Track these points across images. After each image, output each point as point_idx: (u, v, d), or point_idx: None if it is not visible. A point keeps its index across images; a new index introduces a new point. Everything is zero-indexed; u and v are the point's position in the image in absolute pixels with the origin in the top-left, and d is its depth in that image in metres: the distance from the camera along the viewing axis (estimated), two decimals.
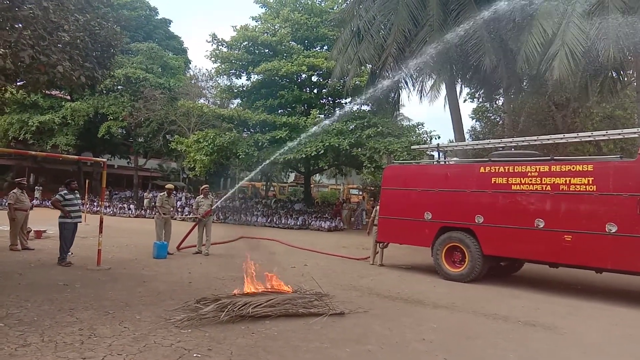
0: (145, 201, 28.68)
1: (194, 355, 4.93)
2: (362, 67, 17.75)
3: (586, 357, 5.54)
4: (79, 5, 7.57)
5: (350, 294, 8.25)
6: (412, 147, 15.54)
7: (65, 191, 9.96)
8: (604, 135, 10.16)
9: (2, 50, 5.72)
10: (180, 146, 26.19)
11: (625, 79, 17.73)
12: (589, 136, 10.54)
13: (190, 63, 40.75)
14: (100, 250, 9.85)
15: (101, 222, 9.95)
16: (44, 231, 14.64)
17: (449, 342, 5.85)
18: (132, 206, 28.15)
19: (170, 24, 40.67)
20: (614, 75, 16.23)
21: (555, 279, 11.01)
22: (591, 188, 8.77)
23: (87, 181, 27.29)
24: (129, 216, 26.61)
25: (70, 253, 10.12)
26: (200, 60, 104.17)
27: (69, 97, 32.90)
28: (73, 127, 31.61)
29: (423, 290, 9.21)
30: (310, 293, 7.26)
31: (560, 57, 13.01)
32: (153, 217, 24.77)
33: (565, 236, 8.96)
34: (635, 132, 9.59)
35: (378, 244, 12.18)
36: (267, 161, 15.19)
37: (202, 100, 33.00)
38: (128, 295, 7.47)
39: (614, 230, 8.38)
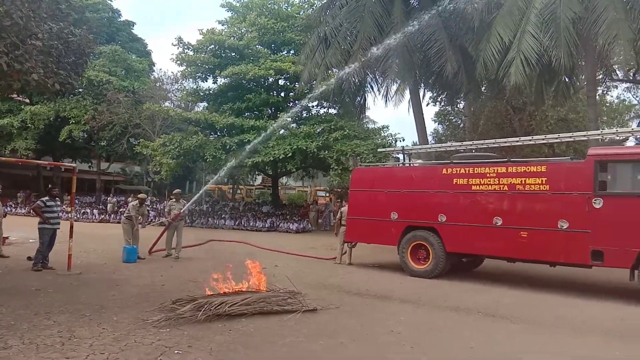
0: (109, 206, 28.24)
1: (175, 352, 5.15)
2: (330, 72, 18.15)
3: (542, 344, 6.02)
4: (50, 12, 7.61)
5: (321, 292, 8.56)
6: (379, 149, 16.01)
7: (47, 198, 9.97)
8: (556, 138, 10.85)
9: None
10: (146, 150, 25.93)
11: (578, 83, 18.77)
12: (543, 139, 11.24)
13: (154, 66, 40.27)
14: (71, 255, 9.85)
15: (71, 227, 9.95)
16: (7, 237, 14.35)
17: (416, 334, 6.24)
18: (95, 211, 27.66)
19: (133, 26, 40.13)
20: (567, 80, 17.17)
21: (513, 273, 11.63)
22: (545, 187, 9.39)
23: (49, 186, 26.65)
24: (93, 221, 26.12)
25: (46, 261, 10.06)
26: (165, 63, 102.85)
27: (27, 101, 32.01)
28: (33, 131, 30.74)
29: (390, 286, 9.62)
30: (283, 291, 7.53)
31: (516, 64, 13.75)
32: (118, 222, 24.75)
33: (521, 233, 9.55)
34: (584, 135, 10.30)
35: (345, 244, 12.56)
36: (233, 162, 15.32)
37: (167, 104, 32.75)
38: (102, 298, 7.56)
39: (565, 227, 9.00)
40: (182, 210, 13.07)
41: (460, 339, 6.05)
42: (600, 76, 19.50)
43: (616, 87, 25.50)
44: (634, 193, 8.38)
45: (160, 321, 6.15)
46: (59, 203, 10.24)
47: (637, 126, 26.87)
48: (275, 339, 5.73)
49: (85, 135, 33.65)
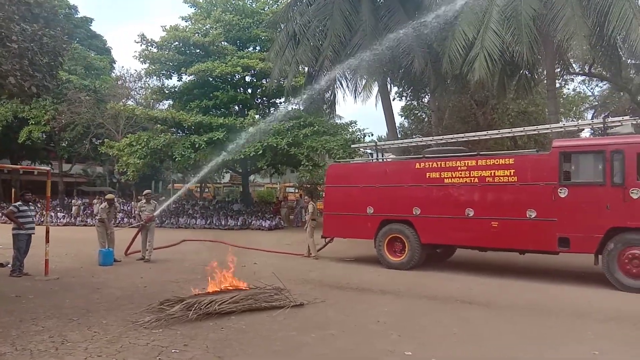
0: (74, 208, 27.55)
1: (172, 351, 5.24)
2: (300, 69, 18.31)
3: (516, 327, 6.40)
4: (20, 13, 7.47)
5: (304, 287, 8.75)
6: (352, 145, 16.28)
7: (20, 202, 9.72)
8: (522, 131, 11.37)
9: None
10: (111, 150, 25.40)
11: (537, 77, 19.53)
12: (509, 132, 11.73)
13: (115, 63, 39.38)
14: (48, 260, 9.69)
15: (47, 232, 9.79)
16: None
17: (399, 322, 6.52)
18: (59, 214, 26.91)
19: (91, 22, 39.04)
20: (527, 74, 17.85)
21: (484, 261, 12.12)
22: (513, 179, 9.84)
23: (13, 190, 25.78)
24: (58, 224, 25.39)
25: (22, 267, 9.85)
26: (127, 60, 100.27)
27: None
28: None
29: (369, 279, 9.91)
30: (269, 288, 7.68)
31: (480, 60, 14.20)
32: (84, 225, 24.21)
33: (492, 223, 9.99)
34: (548, 128, 10.84)
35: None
36: (220, 158, 15.15)
37: (130, 102, 32.10)
38: (86, 302, 7.52)
39: (533, 216, 9.49)
40: (157, 212, 12.97)
41: (443, 326, 6.36)
42: (559, 70, 20.31)
43: (572, 80, 26.62)
44: (596, 182, 8.91)
45: (151, 322, 6.20)
46: (32, 208, 10.03)
47: (592, 117, 28.20)
48: (267, 334, 5.89)
49: (45, 136, 32.64)
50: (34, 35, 7.06)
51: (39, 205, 30.77)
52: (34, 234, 9.97)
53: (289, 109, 23.48)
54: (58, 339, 5.59)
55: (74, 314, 6.71)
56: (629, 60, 19.46)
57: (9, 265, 10.13)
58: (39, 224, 10.93)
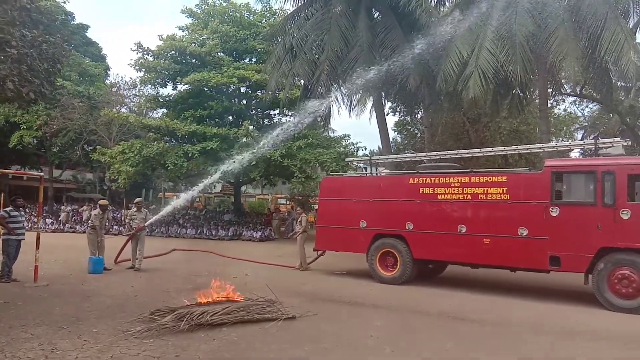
0: (63, 215, 27.29)
1: None
2: (297, 81, 18.44)
3: (508, 343, 6.42)
4: (20, 19, 7.48)
5: (296, 300, 8.71)
6: (347, 159, 16.34)
7: (11, 208, 9.63)
8: (514, 149, 11.50)
9: None
10: (103, 157, 25.24)
11: (530, 96, 19.83)
12: (503, 150, 11.87)
13: (110, 70, 39.36)
14: (38, 267, 9.59)
15: (38, 238, 9.69)
16: None
17: (393, 337, 6.52)
18: (48, 220, 26.62)
19: (87, 29, 39.07)
20: (520, 93, 18.12)
21: (475, 278, 12.16)
22: (505, 197, 9.93)
23: (2, 194, 25.46)
24: (46, 231, 25.11)
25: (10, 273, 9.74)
26: (121, 68, 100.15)
27: None
28: None
29: (361, 293, 9.89)
30: (262, 300, 7.65)
31: (474, 78, 14.40)
32: (73, 232, 23.97)
33: (484, 240, 10.05)
34: (540, 147, 10.99)
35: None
36: (227, 166, 14.71)
37: (123, 109, 32.03)
38: (76, 310, 7.44)
39: (525, 234, 9.57)
40: (153, 219, 12.89)
41: (435, 342, 6.37)
42: (551, 90, 20.63)
43: (564, 100, 27.01)
44: (587, 202, 9.02)
45: (142, 332, 6.15)
46: (23, 213, 9.94)
47: (582, 137, 28.59)
48: (260, 346, 5.87)
49: (36, 142, 32.42)
50: (33, 41, 7.07)
51: (27, 211, 30.53)
52: (24, 239, 9.87)
53: (282, 120, 23.53)
54: (48, 347, 5.53)
55: (64, 322, 6.64)
56: (619, 82, 19.84)
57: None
58: (28, 230, 10.80)
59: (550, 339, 6.67)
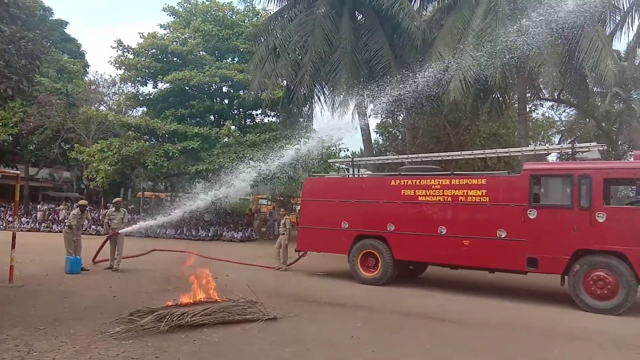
0: (39, 214, 26.74)
1: None
2: (279, 81, 18.41)
3: (487, 344, 6.52)
4: None
5: (277, 300, 8.69)
6: (329, 160, 16.36)
7: None
8: (494, 152, 11.68)
9: None
10: (81, 155, 24.80)
11: (509, 101, 20.15)
12: (482, 153, 12.02)
13: (89, 67, 38.71)
14: (13, 267, 9.38)
15: (14, 237, 9.48)
16: None
17: (374, 337, 6.56)
18: (23, 219, 26.06)
19: (66, 25, 38.35)
20: (499, 98, 18.40)
21: (456, 279, 12.30)
22: (485, 199, 10.07)
23: None
24: (22, 230, 24.57)
25: None
26: (101, 65, 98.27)
27: None
28: None
29: (342, 294, 9.92)
30: (243, 301, 7.60)
31: (455, 82, 14.60)
32: (49, 231, 23.52)
33: (463, 241, 10.18)
34: (519, 151, 11.18)
35: (282, 250, 13.00)
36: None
37: (102, 107, 31.54)
38: (53, 311, 7.31)
39: (503, 236, 9.72)
40: (124, 222, 12.71)
41: (416, 342, 6.43)
42: (529, 95, 21.02)
43: (542, 105, 27.53)
44: (564, 205, 9.21)
45: (121, 333, 6.08)
46: None
47: (559, 141, 29.17)
48: (242, 347, 5.84)
49: (12, 139, 31.70)
50: (12, 37, 6.92)
51: (2, 209, 29.83)
52: None
53: (265, 121, 23.33)
54: (24, 349, 5.42)
55: (41, 323, 6.51)
56: (596, 88, 20.30)
57: None
58: (2, 229, 10.58)
59: (528, 339, 6.79)
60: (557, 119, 31.36)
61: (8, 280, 9.24)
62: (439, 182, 10.68)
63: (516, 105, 19.72)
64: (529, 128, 26.50)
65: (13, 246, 9.43)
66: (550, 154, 23.23)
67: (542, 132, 30.49)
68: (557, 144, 23.54)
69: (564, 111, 30.19)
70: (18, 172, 9.98)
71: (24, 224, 25.23)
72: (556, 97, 23.08)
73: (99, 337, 5.98)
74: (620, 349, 6.48)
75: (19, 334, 5.95)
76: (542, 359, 5.87)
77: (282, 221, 14.11)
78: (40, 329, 6.23)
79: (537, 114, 29.71)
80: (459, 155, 12.24)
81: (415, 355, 5.88)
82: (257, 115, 27.46)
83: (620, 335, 7.17)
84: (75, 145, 26.82)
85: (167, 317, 6.52)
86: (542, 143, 28.88)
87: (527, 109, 23.50)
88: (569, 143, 12.70)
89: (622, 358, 6.21)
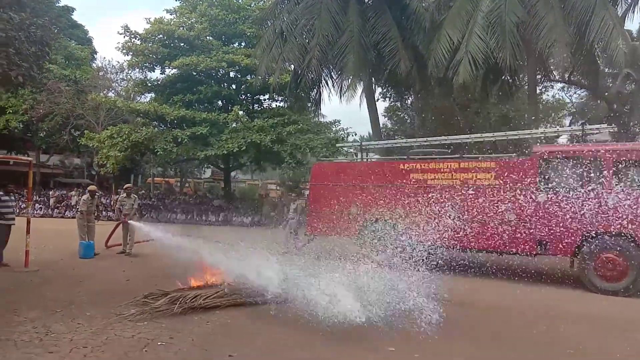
0: (52, 200, 27.07)
1: (158, 343, 5.27)
2: (287, 66, 18.37)
3: (493, 323, 6.58)
4: (7, 1, 7.37)
5: (287, 284, 8.77)
6: (337, 144, 16.36)
7: (1, 192, 9.58)
8: (503, 135, 11.62)
9: None
10: (91, 142, 25.00)
11: (519, 83, 19.94)
12: (492, 136, 11.97)
13: (96, 54, 38.75)
14: (29, 252, 9.56)
15: (28, 222, 9.66)
16: None
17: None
18: (36, 205, 26.40)
19: (73, 12, 38.27)
20: (509, 80, 18.21)
21: (465, 262, 12.32)
22: (494, 182, 10.07)
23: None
24: (34, 216, 24.88)
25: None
26: (108, 51, 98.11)
27: None
28: None
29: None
30: (255, 284, 7.69)
31: (464, 64, 14.47)
32: (61, 217, 23.85)
33: (472, 224, 10.19)
34: (528, 134, 11.11)
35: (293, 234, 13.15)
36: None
37: (110, 94, 31.66)
38: (69, 294, 7.47)
39: (512, 219, 9.72)
40: (134, 208, 12.85)
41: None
42: (539, 76, 20.77)
43: (552, 87, 27.20)
44: (574, 187, 9.18)
45: (135, 315, 6.20)
46: (13, 198, 9.89)
47: (570, 123, 28.86)
48: (253, 329, 5.95)
49: (22, 126, 32.01)
50: (21, 24, 6.97)
51: (17, 197, 30.23)
52: (14, 224, 9.82)
53: (273, 105, 23.28)
54: (42, 330, 5.57)
55: (57, 306, 6.66)
56: (607, 69, 20.03)
57: None
58: (16, 216, 10.74)
59: (532, 321, 6.84)
60: (568, 101, 30.98)
61: (24, 265, 9.43)
62: (447, 165, 10.67)
63: (526, 87, 19.53)
64: (540, 110, 26.29)
65: (28, 231, 9.60)
66: (560, 136, 23.08)
67: (553, 115, 30.16)
68: (568, 126, 23.31)
69: (575, 93, 29.81)
70: (30, 159, 10.11)
71: (36, 210, 25.57)
72: (567, 79, 22.78)
73: (114, 319, 6.11)
74: (625, 330, 6.52)
75: (36, 317, 6.10)
76: (546, 340, 5.92)
77: (293, 206, 14.20)
78: (57, 312, 6.38)
79: (548, 96, 29.38)
80: (467, 138, 12.18)
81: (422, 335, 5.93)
82: (264, 100, 27.43)
83: (625, 316, 7.21)
84: (85, 131, 27.03)
85: (180, 299, 6.65)
86: (553, 125, 28.60)
87: (538, 91, 23.29)
88: (580, 125, 12.59)
89: (626, 339, 6.24)
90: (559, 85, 27.40)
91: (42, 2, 8.24)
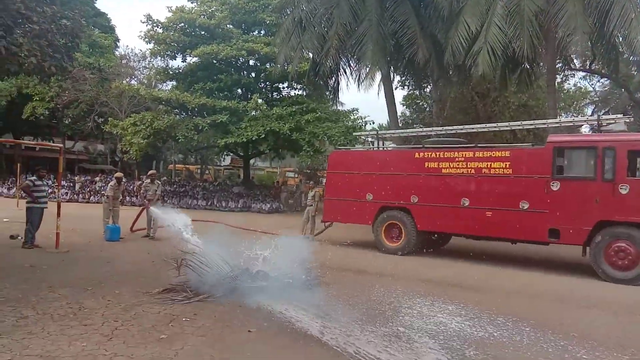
0: (77, 185, 27.92)
1: (183, 319, 5.65)
2: (305, 55, 18.56)
3: (501, 305, 6.81)
4: None
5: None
6: (354, 133, 16.56)
7: (35, 177, 10.13)
8: (519, 125, 11.71)
9: None
10: (115, 129, 25.65)
11: (539, 71, 19.79)
12: (507, 126, 12.08)
13: (119, 42, 39.42)
14: (59, 234, 10.09)
15: (59, 206, 10.20)
16: None
17: (396, 301, 6.92)
18: (62, 190, 27.22)
19: (96, 0, 38.92)
20: (528, 68, 18.10)
21: (477, 249, 12.53)
22: (508, 171, 10.21)
23: (18, 165, 26.10)
24: (61, 200, 25.70)
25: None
26: (130, 39, 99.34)
27: None
28: None
29: (366, 263, 10.32)
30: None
31: (483, 55, 14.45)
32: (87, 202, 24.61)
33: (486, 213, 10.38)
34: (544, 123, 11.19)
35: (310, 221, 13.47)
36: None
37: (133, 81, 32.28)
38: (98, 274, 7.92)
39: (526, 207, 9.88)
40: (157, 193, 13.31)
41: (438, 304, 6.79)
42: (559, 65, 20.59)
43: (573, 75, 26.86)
44: (587, 177, 9.29)
45: (161, 292, 6.62)
46: (46, 183, 10.42)
47: (592, 112, 28.48)
48: (270, 309, 6.27)
49: (48, 113, 32.88)
50: (53, 17, 7.34)
51: (49, 182, 31.21)
52: (46, 208, 10.35)
53: (292, 94, 23.56)
54: (75, 306, 5.99)
55: (88, 284, 7.10)
56: (631, 57, 19.72)
57: (20, 238, 10.53)
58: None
59: (543, 304, 7.06)
60: (590, 89, 30.53)
61: (55, 247, 9.95)
62: (462, 154, 10.84)
63: (546, 76, 19.38)
64: (561, 99, 26.01)
65: (58, 215, 10.12)
66: (582, 126, 22.86)
67: (575, 104, 29.79)
68: (590, 115, 23.05)
69: (598, 81, 29.36)
70: (61, 145, 10.61)
71: (63, 195, 26.37)
72: (588, 68, 22.50)
73: (142, 297, 6.52)
74: (635, 315, 6.69)
75: (69, 294, 6.54)
76: (555, 323, 6.13)
77: (311, 193, 14.50)
78: (88, 289, 6.82)
79: (569, 84, 29.02)
80: (483, 127, 12.31)
81: (439, 316, 6.20)
82: (283, 88, 27.68)
83: (635, 303, 7.36)
84: (109, 119, 27.68)
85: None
86: (574, 115, 28.26)
87: (559, 80, 23.08)
88: (596, 115, 12.55)
89: (635, 324, 6.42)
90: (581, 73, 27.05)
91: None
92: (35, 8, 7.10)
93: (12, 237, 11.02)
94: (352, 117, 24.59)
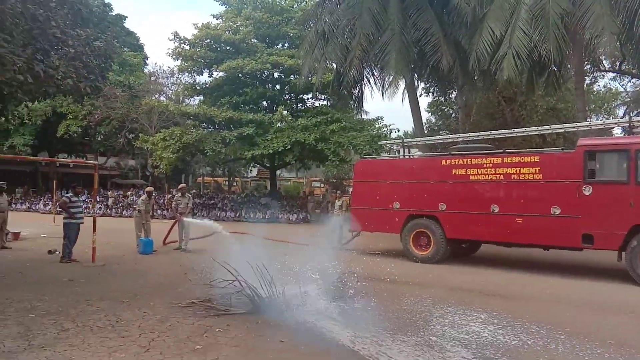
0: (110, 200, 28.66)
1: (217, 330, 5.77)
2: (329, 66, 18.75)
3: (534, 313, 6.71)
4: (73, 17, 8.08)
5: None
6: (379, 142, 16.57)
7: (71, 194, 10.51)
8: (548, 129, 11.55)
9: (19, 64, 6.26)
10: (146, 144, 26.33)
11: (566, 74, 19.45)
12: (535, 130, 11.91)
13: (147, 59, 40.53)
14: (95, 248, 10.41)
15: (95, 221, 10.53)
16: (19, 233, 14.81)
17: (427, 310, 6.90)
18: (96, 205, 27.99)
19: (125, 20, 40.15)
20: (556, 71, 17.82)
21: (508, 257, 12.35)
22: (538, 176, 10.07)
23: (54, 182, 27.00)
24: (95, 215, 26.46)
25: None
26: (158, 57, 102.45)
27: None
28: (30, 126, 30.99)
29: (395, 271, 10.26)
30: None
31: (508, 59, 14.32)
32: (119, 216, 25.23)
33: (516, 219, 10.25)
34: (574, 127, 11.01)
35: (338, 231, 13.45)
36: None
37: (162, 97, 33.12)
38: (133, 286, 8.14)
39: (557, 212, 9.71)
40: (188, 205, 13.58)
41: (468, 311, 6.76)
42: (588, 67, 20.20)
43: (603, 77, 26.28)
44: (620, 180, 9.09)
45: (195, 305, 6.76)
46: (82, 199, 10.79)
47: (624, 114, 27.77)
48: (303, 318, 6.35)
49: (81, 130, 34.01)
50: (87, 40, 7.68)
51: (85, 199, 32.18)
52: (82, 223, 10.71)
53: (316, 104, 23.79)
54: (113, 318, 6.18)
55: (124, 297, 7.31)
56: None
57: (58, 252, 10.91)
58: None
59: (578, 311, 6.92)
60: (621, 89, 29.79)
61: (91, 260, 10.27)
62: (490, 160, 10.75)
63: (574, 78, 19.04)
64: (591, 101, 25.46)
65: (94, 229, 10.45)
66: (613, 128, 22.31)
67: (605, 105, 29.10)
68: (621, 117, 22.49)
69: (629, 81, 28.63)
70: (96, 162, 10.97)
71: (97, 210, 27.11)
72: (617, 69, 21.99)
73: (176, 309, 6.67)
74: None
75: (106, 306, 6.75)
76: (591, 330, 6.01)
77: (339, 203, 14.57)
78: (124, 302, 7.02)
79: (599, 86, 28.39)
80: (511, 132, 12.17)
81: (471, 325, 6.16)
82: (308, 99, 27.99)
83: None
84: (139, 134, 28.44)
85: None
86: (605, 117, 27.62)
87: (588, 82, 22.61)
88: (627, 117, 12.27)
89: None
90: (611, 74, 26.45)
91: (103, 18, 8.91)
92: (70, 32, 7.44)
93: (50, 252, 11.43)
94: (376, 126, 24.65)
